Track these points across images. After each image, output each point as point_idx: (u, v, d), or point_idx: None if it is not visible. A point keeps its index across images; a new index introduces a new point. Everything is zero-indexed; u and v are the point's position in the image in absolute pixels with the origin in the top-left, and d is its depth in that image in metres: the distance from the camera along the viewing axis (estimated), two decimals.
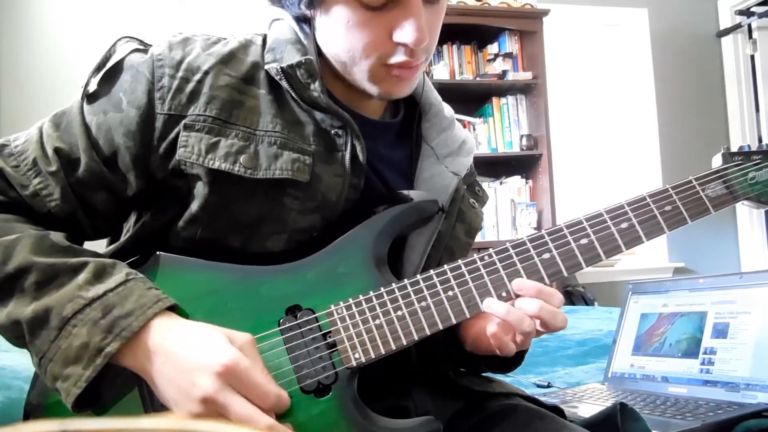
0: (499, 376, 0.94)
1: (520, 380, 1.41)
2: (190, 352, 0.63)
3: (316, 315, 0.71)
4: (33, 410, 0.72)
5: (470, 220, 0.87)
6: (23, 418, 0.73)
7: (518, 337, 0.70)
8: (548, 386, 1.37)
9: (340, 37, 0.72)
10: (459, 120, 0.91)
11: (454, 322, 0.71)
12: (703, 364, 1.12)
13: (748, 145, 0.81)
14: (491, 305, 0.70)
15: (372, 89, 0.76)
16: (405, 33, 0.70)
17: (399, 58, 0.73)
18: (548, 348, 1.74)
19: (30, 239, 0.67)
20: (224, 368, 0.61)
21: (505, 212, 3.40)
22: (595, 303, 3.17)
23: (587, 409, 1.04)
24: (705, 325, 1.15)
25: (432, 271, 0.73)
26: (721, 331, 1.12)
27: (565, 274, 0.73)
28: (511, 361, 0.83)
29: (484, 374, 0.90)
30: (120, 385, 0.67)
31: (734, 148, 0.81)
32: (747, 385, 1.03)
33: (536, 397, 0.87)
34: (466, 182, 0.88)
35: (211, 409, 0.61)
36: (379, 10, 0.70)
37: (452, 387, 0.84)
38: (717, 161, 0.81)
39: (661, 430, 0.89)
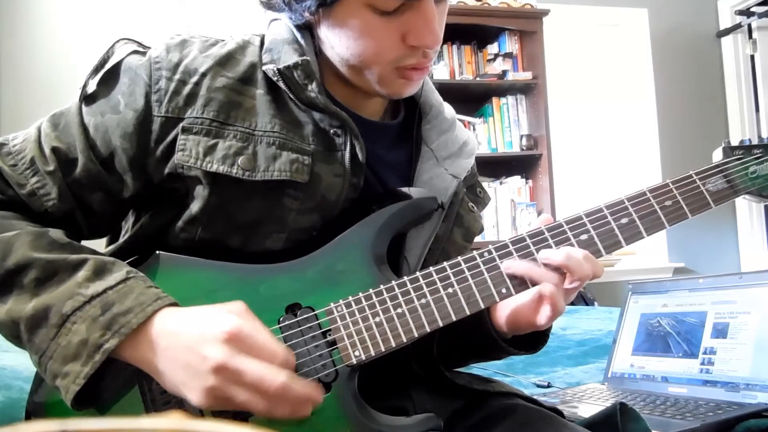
0: (498, 376, 0.94)
1: (520, 380, 1.41)
2: (190, 329, 0.63)
3: (315, 313, 0.71)
4: (34, 410, 0.72)
5: (468, 224, 0.87)
6: (25, 418, 0.73)
7: (573, 285, 0.71)
8: (548, 386, 1.37)
9: (350, 43, 0.72)
10: (459, 120, 0.91)
11: (454, 318, 0.71)
12: (703, 364, 1.12)
13: (749, 139, 0.81)
14: (548, 255, 0.71)
15: (381, 90, 0.76)
16: (422, 37, 0.71)
17: (412, 60, 0.73)
18: (548, 348, 1.73)
19: (29, 236, 0.67)
20: (229, 335, 0.61)
21: (505, 212, 3.41)
22: (595, 303, 3.17)
23: (587, 409, 1.04)
24: (705, 325, 1.15)
25: (431, 269, 0.73)
26: (721, 331, 1.12)
27: None
28: (540, 340, 0.85)
29: (483, 375, 0.90)
30: (121, 383, 0.68)
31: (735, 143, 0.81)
32: (747, 385, 1.03)
33: (536, 397, 0.87)
34: (466, 184, 0.88)
35: (226, 377, 0.60)
36: (391, 15, 0.70)
37: (451, 387, 0.84)
38: (718, 155, 0.80)
39: (661, 430, 0.89)
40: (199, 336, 0.62)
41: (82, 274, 0.66)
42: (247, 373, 0.60)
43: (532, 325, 0.75)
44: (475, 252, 0.74)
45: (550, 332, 0.85)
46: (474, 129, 3.42)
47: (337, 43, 0.74)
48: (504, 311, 0.78)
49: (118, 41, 0.78)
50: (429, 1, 0.70)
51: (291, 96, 0.75)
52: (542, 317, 0.73)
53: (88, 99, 0.75)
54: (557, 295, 0.71)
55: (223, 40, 0.79)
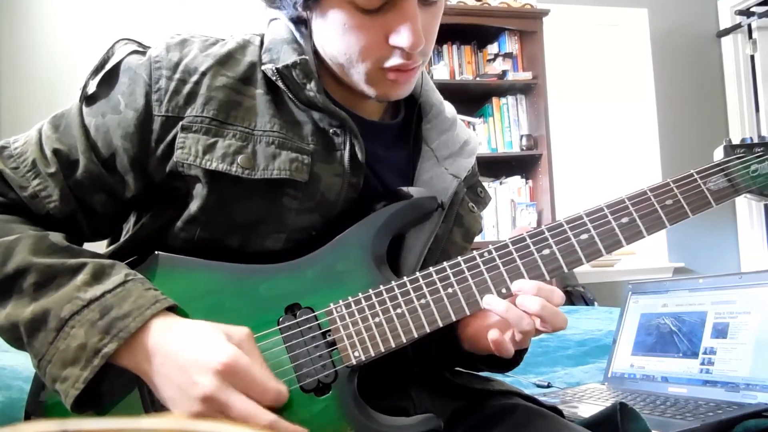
0: (498, 376, 0.94)
1: (520, 380, 1.41)
2: (188, 350, 0.63)
3: (315, 313, 0.71)
4: (34, 410, 0.72)
5: (468, 224, 0.86)
6: (25, 418, 0.73)
7: (517, 336, 0.70)
8: (548, 386, 1.37)
9: (336, 40, 0.72)
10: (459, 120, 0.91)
11: (453, 319, 0.71)
12: (702, 364, 1.12)
13: (750, 138, 0.81)
14: (491, 302, 0.70)
15: (369, 91, 0.76)
16: (401, 37, 0.70)
17: (395, 61, 0.72)
18: (548, 348, 1.74)
19: (29, 240, 0.67)
20: (224, 366, 0.61)
21: (505, 212, 3.40)
22: (595, 303, 3.17)
23: (587, 409, 1.04)
24: (705, 325, 1.15)
25: (431, 269, 0.72)
26: (720, 331, 1.12)
27: (566, 269, 0.73)
28: (510, 361, 0.83)
29: (482, 374, 0.90)
30: (120, 385, 0.67)
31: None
32: (747, 385, 1.03)
33: (536, 397, 0.87)
34: (467, 183, 0.87)
35: (212, 407, 0.61)
36: (374, 14, 0.69)
37: (451, 386, 0.84)
38: (719, 154, 0.80)
39: (661, 430, 0.89)
40: (193, 361, 0.62)
41: (80, 278, 0.66)
42: (234, 409, 0.61)
43: (489, 350, 0.73)
44: (475, 252, 0.74)
45: (523, 356, 0.83)
46: (474, 129, 3.42)
47: (326, 40, 0.74)
48: (466, 329, 0.76)
49: (118, 41, 0.78)
50: (411, 2, 0.69)
51: (290, 96, 0.75)
52: (495, 348, 0.71)
53: (88, 100, 0.75)
54: (499, 334, 0.69)
55: (224, 40, 0.79)
